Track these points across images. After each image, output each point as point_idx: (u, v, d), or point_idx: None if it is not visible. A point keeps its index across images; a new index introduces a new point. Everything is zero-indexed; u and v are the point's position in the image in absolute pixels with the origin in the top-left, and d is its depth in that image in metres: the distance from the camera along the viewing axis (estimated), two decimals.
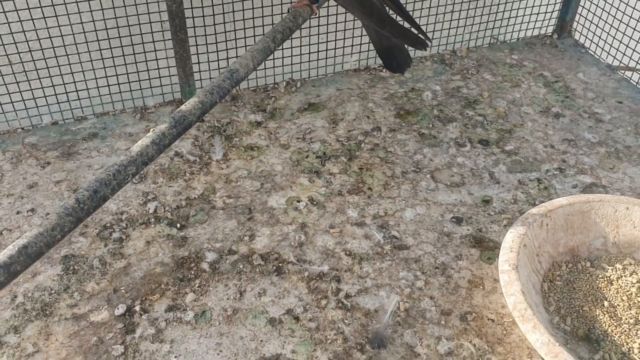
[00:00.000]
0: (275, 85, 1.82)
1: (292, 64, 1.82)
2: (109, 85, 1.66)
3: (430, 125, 1.68)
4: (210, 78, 1.75)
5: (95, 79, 1.63)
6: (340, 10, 1.77)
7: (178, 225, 1.37)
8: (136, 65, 1.65)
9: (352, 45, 1.86)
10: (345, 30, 1.81)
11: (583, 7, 2.02)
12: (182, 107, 1.15)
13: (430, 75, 1.90)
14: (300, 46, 1.79)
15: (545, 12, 2.05)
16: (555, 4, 2.04)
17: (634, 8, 1.81)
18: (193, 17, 1.62)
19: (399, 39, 1.30)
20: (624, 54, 1.88)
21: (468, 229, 1.38)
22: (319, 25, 1.77)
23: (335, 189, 1.47)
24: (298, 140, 1.62)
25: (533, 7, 2.02)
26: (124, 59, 1.63)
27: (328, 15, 1.76)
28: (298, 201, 1.44)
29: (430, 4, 1.88)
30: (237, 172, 1.52)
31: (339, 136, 1.64)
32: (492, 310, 1.20)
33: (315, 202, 1.43)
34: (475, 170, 1.54)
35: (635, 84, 1.87)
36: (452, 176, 1.52)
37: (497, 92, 1.83)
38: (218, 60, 1.73)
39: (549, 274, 1.24)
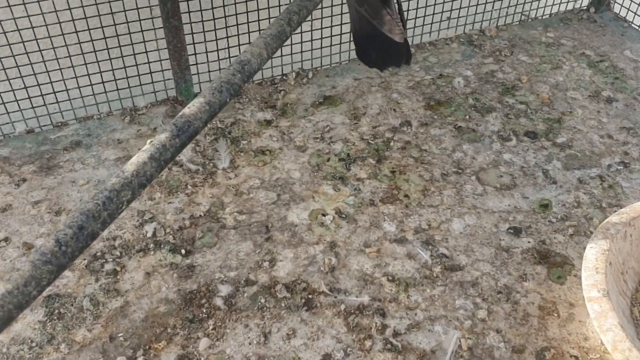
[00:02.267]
0: (284, 77, 1.59)
1: (301, 52, 1.58)
2: (91, 85, 1.41)
3: (467, 117, 1.46)
4: (209, 71, 1.51)
5: (76, 77, 1.39)
6: None
7: (182, 250, 1.14)
8: (123, 60, 1.41)
9: None
10: None
11: None
12: (185, 109, 0.91)
13: (459, 58, 1.67)
14: (311, 31, 1.56)
15: None
16: None
17: None
18: (187, 0, 1.38)
19: (374, 21, 1.05)
20: None
21: (529, 242, 1.16)
22: (331, 6, 1.53)
23: (366, 197, 1.25)
24: (316, 140, 1.39)
25: None
26: (108, 53, 1.39)
27: None
28: (323, 214, 1.21)
29: None
30: (248, 182, 1.29)
31: (363, 134, 1.41)
32: (573, 343, 0.99)
33: (343, 215, 1.21)
34: (526, 169, 1.32)
35: None
36: (500, 177, 1.30)
37: (537, 76, 1.60)
38: (217, 50, 1.49)
39: (638, 295, 1.03)
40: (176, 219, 1.20)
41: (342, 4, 1.54)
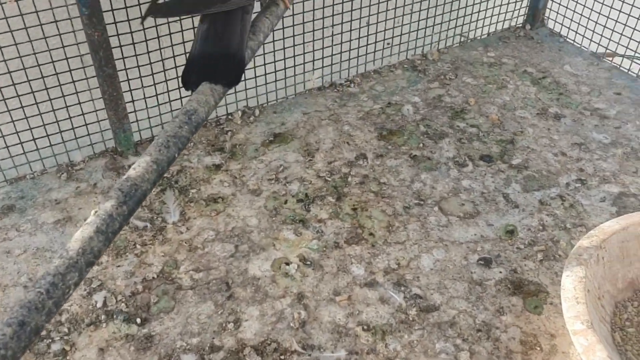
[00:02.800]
0: (229, 117, 1.52)
1: (246, 89, 1.52)
2: (21, 143, 1.30)
3: (421, 145, 1.43)
4: (149, 117, 1.43)
5: (2, 136, 1.28)
6: (297, 21, 1.49)
7: (138, 319, 1.05)
8: (54, 114, 1.31)
9: (314, 61, 1.58)
10: (304, 43, 1.54)
11: None
12: (131, 171, 0.83)
13: (405, 85, 1.65)
14: (254, 67, 1.50)
15: (515, 2, 1.85)
16: None
17: None
18: (120, 46, 1.29)
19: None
20: (610, 40, 1.70)
21: (500, 272, 1.13)
22: (273, 41, 1.48)
23: (330, 239, 1.19)
24: (270, 182, 1.33)
25: None
26: (38, 108, 1.28)
27: (284, 28, 1.47)
28: (287, 263, 1.14)
29: (387, 7, 1.63)
30: (202, 235, 1.21)
31: (319, 171, 1.35)
32: None
33: (308, 262, 1.15)
34: (486, 194, 1.30)
35: (627, 71, 1.69)
36: (462, 205, 1.27)
37: (484, 97, 1.60)
38: (157, 95, 1.40)
39: (616, 319, 1.01)
40: (127, 284, 1.10)
41: (283, 38, 1.49)
